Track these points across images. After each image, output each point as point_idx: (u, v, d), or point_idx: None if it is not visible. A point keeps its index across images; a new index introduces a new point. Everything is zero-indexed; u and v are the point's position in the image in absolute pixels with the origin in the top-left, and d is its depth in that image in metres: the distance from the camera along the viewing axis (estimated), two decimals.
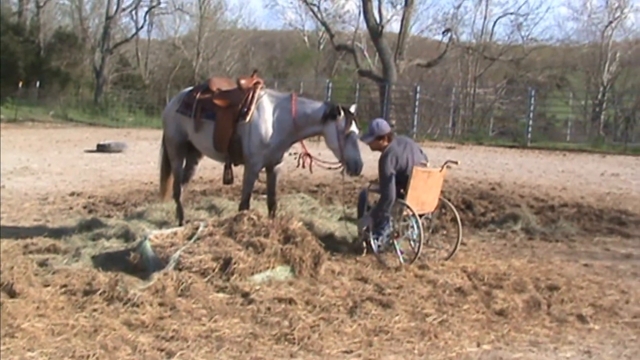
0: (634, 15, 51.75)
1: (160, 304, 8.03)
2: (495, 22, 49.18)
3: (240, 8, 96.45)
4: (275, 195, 11.72)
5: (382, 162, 10.66)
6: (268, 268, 9.05)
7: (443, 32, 44.55)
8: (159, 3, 54.13)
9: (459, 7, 48.68)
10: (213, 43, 55.52)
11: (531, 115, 36.75)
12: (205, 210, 12.75)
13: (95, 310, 7.77)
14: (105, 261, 9.51)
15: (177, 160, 11.93)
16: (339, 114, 10.60)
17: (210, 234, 9.55)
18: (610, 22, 52.71)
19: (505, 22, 49.43)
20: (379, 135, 10.82)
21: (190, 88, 12.10)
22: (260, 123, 10.93)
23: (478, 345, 7.58)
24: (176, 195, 11.95)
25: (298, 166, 11.40)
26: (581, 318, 8.59)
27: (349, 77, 47.76)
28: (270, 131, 10.95)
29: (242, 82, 11.24)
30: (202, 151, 11.83)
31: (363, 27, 38.40)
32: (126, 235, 10.70)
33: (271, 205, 11.57)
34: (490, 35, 49.39)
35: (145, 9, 54.13)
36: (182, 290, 8.36)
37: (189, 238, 9.52)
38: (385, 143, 10.91)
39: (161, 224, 11.60)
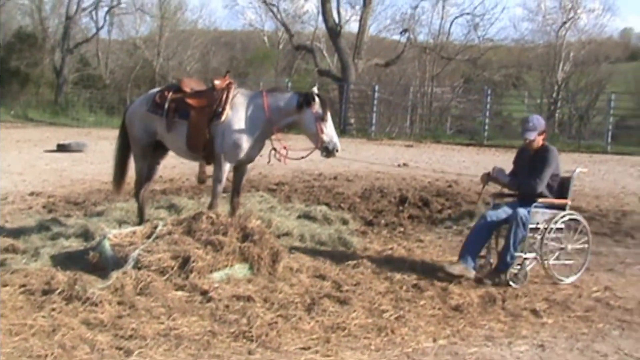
0: (587, 16, 52.16)
1: (119, 303, 7.96)
2: (452, 23, 49.52)
3: (201, 8, 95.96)
4: (240, 195, 11.69)
5: (553, 155, 10.16)
6: (227, 266, 9.01)
7: (401, 32, 44.82)
8: (119, 3, 54.00)
9: (416, 7, 48.90)
10: (174, 43, 55.39)
11: (487, 113, 36.98)
12: (165, 209, 12.69)
13: (53, 309, 7.69)
14: (64, 260, 9.43)
15: (142, 160, 11.77)
16: (314, 100, 10.66)
17: (169, 233, 9.51)
18: (564, 23, 53.06)
19: (461, 22, 49.85)
20: (541, 130, 10.26)
21: (159, 88, 11.96)
22: (234, 122, 10.90)
23: (434, 340, 7.58)
24: (137, 195, 11.84)
25: (269, 162, 11.37)
26: (535, 312, 8.65)
27: (309, 77, 47.81)
28: (244, 130, 10.92)
29: (216, 82, 11.19)
30: (173, 151, 11.70)
31: (322, 28, 38.51)
32: (85, 235, 10.62)
33: (234, 204, 11.53)
34: (447, 35, 49.67)
35: (106, 9, 54.04)
36: (141, 288, 8.30)
37: (148, 237, 9.47)
38: (543, 140, 10.39)
39: (120, 223, 11.53)
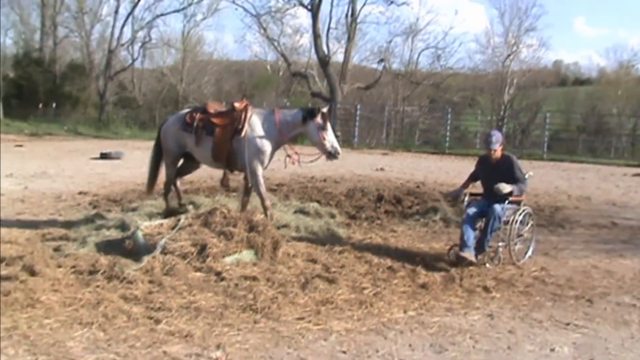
0: (527, 50, 52.18)
1: (150, 282, 7.95)
2: (419, 54, 49.39)
3: (216, 42, 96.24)
4: (249, 195, 11.62)
5: (515, 160, 10.19)
6: (236, 252, 8.97)
7: (378, 62, 44.77)
8: (150, 39, 53.83)
9: (390, 41, 48.96)
10: (194, 71, 55.28)
11: (448, 128, 37.08)
12: (186, 206, 12.59)
13: (97, 286, 7.69)
14: (106, 247, 9.35)
15: (172, 168, 11.87)
16: (316, 113, 10.76)
17: (190, 225, 9.46)
18: (509, 55, 53.03)
19: (427, 54, 49.54)
20: (501, 142, 10.21)
21: (187, 110, 12.00)
22: (254, 136, 10.92)
23: (405, 312, 7.56)
24: (166, 195, 11.95)
25: (286, 167, 11.39)
26: (486, 289, 8.64)
27: (303, 98, 47.69)
28: (262, 141, 10.93)
29: (236, 104, 11.21)
30: (201, 161, 11.70)
31: (314, 58, 38.34)
32: (123, 226, 10.50)
33: (244, 202, 11.56)
34: (416, 64, 49.59)
35: (139, 44, 53.92)
36: (167, 270, 8.27)
37: (173, 228, 9.43)
38: (502, 150, 10.31)
39: (150, 217, 11.44)
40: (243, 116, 11.02)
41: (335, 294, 7.97)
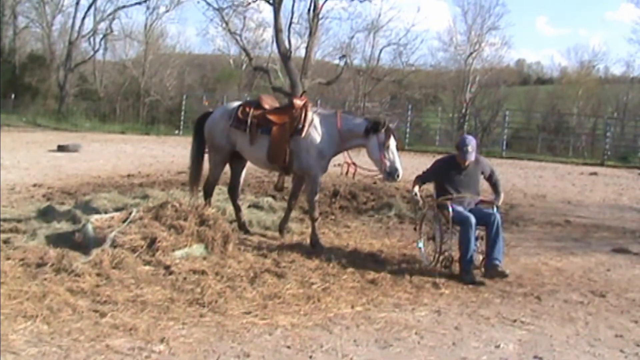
0: (489, 49, 52.48)
1: (98, 275, 7.90)
2: (381, 50, 49.21)
3: (178, 36, 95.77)
4: (297, 198, 11.41)
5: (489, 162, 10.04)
6: (186, 246, 8.96)
7: (340, 57, 44.71)
8: (112, 31, 53.36)
9: (352, 37, 48.83)
10: (156, 64, 54.86)
11: (409, 124, 37.12)
12: (140, 199, 12.53)
13: (45, 279, 7.62)
14: (56, 240, 9.27)
15: (221, 167, 11.30)
16: (382, 127, 10.08)
17: (141, 218, 9.39)
18: (471, 54, 53.34)
19: (389, 50, 49.54)
20: (476, 149, 9.73)
21: (237, 103, 11.25)
22: (316, 138, 10.38)
23: (352, 307, 7.58)
24: (206, 195, 11.35)
25: (341, 174, 11.03)
26: (435, 285, 8.68)
27: (265, 92, 47.47)
28: (324, 145, 10.41)
29: (296, 101, 10.68)
30: (252, 161, 11.18)
31: (276, 53, 38.19)
32: (74, 219, 10.46)
33: (292, 206, 11.42)
34: (377, 60, 49.45)
35: (101, 35, 53.42)
36: (115, 263, 8.23)
37: (123, 221, 9.37)
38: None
39: (103, 210, 11.37)
40: (303, 115, 10.48)
41: (283, 288, 7.98)
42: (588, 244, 12.20)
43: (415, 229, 10.63)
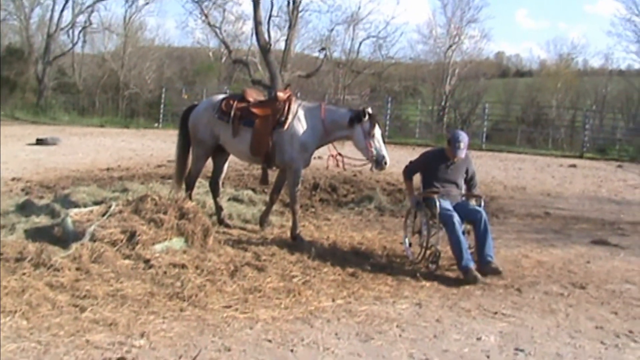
0: (469, 41, 52.67)
1: (77, 269, 7.85)
2: (360, 43, 49.04)
3: (157, 28, 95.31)
4: (280, 192, 11.42)
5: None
6: (166, 239, 8.92)
7: (319, 50, 44.65)
8: (91, 24, 52.88)
9: (332, 30, 48.69)
10: (135, 57, 54.57)
11: (389, 117, 37.12)
12: (119, 192, 12.46)
13: (24, 274, 7.54)
14: (34, 234, 9.21)
15: (203, 160, 11.22)
16: (364, 117, 10.09)
17: (120, 212, 9.36)
18: (450, 46, 53.36)
19: (368, 43, 49.40)
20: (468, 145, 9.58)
21: (222, 96, 11.22)
22: (299, 130, 10.36)
23: (333, 300, 7.59)
24: (187, 188, 11.30)
25: (327, 167, 10.94)
26: (415, 277, 8.70)
27: (244, 85, 47.46)
28: (308, 138, 10.39)
29: (279, 94, 10.67)
30: (235, 154, 11.13)
31: (255, 45, 38.00)
32: (53, 213, 10.40)
33: (274, 200, 11.43)
34: (357, 53, 49.29)
35: (80, 28, 53.03)
36: (95, 257, 8.16)
37: (103, 215, 9.33)
38: None
39: (82, 204, 11.30)
40: (286, 107, 10.47)
41: (264, 282, 7.97)
42: (568, 235, 12.25)
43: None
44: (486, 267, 8.83)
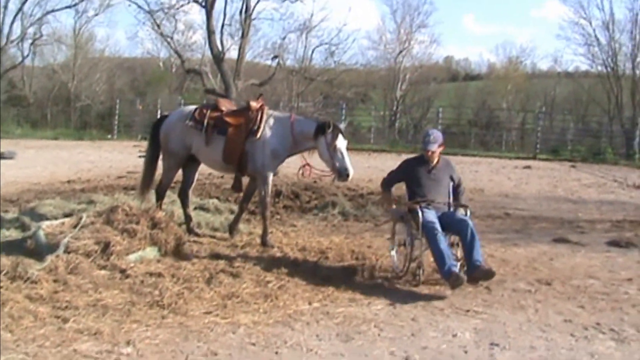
0: (418, 46, 53.28)
1: (55, 281, 7.88)
2: (313, 50, 49.10)
3: (107, 39, 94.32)
4: (249, 201, 11.48)
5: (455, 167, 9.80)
6: (140, 249, 9.01)
7: (272, 58, 44.63)
8: (41, 36, 52.51)
9: (284, 38, 48.71)
10: (85, 68, 54.22)
11: (343, 123, 37.25)
12: (86, 204, 12.44)
13: (1, 287, 7.54)
14: (6, 248, 9.14)
15: (174, 170, 11.28)
16: (328, 128, 10.13)
17: (92, 223, 9.38)
18: (401, 52, 53.88)
19: (321, 50, 49.35)
20: (440, 143, 9.38)
21: (194, 106, 11.23)
22: (271, 139, 10.44)
23: (309, 303, 7.74)
24: (158, 198, 11.35)
25: (303, 176, 10.94)
26: (387, 279, 8.92)
27: (197, 95, 47.33)
28: (278, 146, 10.47)
29: (252, 104, 10.72)
30: (207, 163, 11.13)
31: (208, 54, 38.01)
32: (22, 227, 10.39)
33: (243, 209, 11.44)
34: (310, 60, 49.46)
35: (30, 40, 52.54)
36: (71, 269, 8.19)
37: (75, 227, 9.34)
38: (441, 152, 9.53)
39: (51, 216, 11.30)
40: (259, 116, 10.55)
41: (240, 287, 8.07)
42: (529, 235, 12.53)
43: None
44: (476, 272, 8.42)
